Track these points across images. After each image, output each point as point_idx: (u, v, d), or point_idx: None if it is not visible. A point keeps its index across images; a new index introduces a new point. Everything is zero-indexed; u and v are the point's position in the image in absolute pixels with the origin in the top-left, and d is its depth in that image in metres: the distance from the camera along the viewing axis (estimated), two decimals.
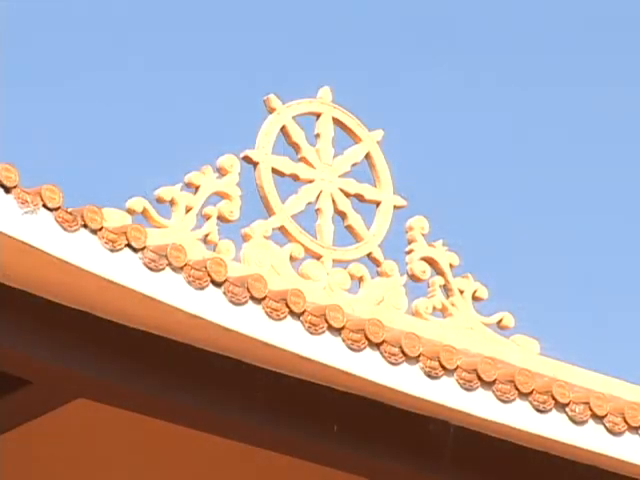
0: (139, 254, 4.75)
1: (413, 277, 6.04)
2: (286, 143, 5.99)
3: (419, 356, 5.15)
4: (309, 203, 5.96)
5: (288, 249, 5.81)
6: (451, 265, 6.13)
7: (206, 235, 5.59)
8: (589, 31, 16.85)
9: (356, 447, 5.39)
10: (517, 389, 5.29)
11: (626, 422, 5.49)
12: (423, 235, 6.10)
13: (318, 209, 5.98)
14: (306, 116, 6.08)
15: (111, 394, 5.15)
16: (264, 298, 4.94)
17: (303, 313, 4.99)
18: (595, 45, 16.73)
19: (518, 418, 5.33)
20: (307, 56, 16.09)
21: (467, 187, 15.53)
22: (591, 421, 5.42)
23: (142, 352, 5.01)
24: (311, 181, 5.97)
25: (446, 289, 6.12)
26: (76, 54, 16.12)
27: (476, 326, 6.07)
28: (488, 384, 5.26)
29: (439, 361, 5.17)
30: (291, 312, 4.97)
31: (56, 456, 5.86)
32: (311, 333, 4.98)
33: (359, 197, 6.10)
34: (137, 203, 5.42)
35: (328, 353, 5.02)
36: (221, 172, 5.72)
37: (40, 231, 4.55)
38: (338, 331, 5.03)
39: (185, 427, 5.38)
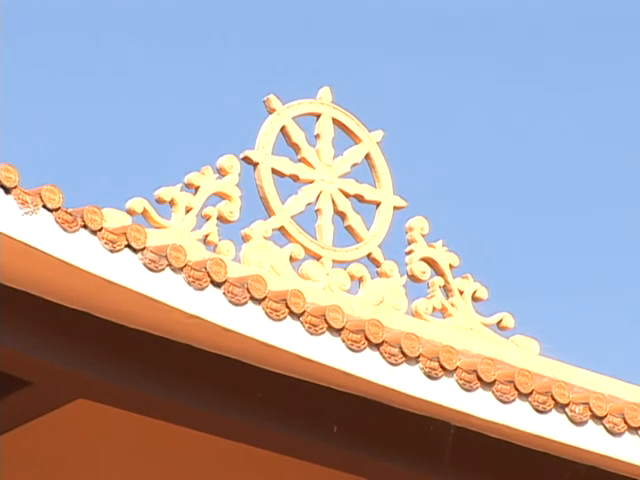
0: (139, 255, 4.75)
1: (413, 277, 6.04)
2: (286, 144, 5.99)
3: (419, 357, 5.15)
4: (309, 204, 5.96)
5: (288, 250, 5.80)
6: (451, 266, 6.13)
7: (206, 236, 5.59)
8: (588, 30, 16.85)
9: (356, 448, 5.38)
10: (517, 389, 5.29)
11: (626, 423, 5.49)
12: (423, 236, 6.09)
13: (318, 210, 5.98)
14: (306, 117, 6.07)
15: (111, 395, 5.15)
16: (264, 299, 4.94)
17: (303, 314, 4.99)
18: (596, 45, 16.74)
19: (518, 419, 5.33)
20: (307, 56, 16.08)
21: (467, 187, 15.54)
22: (591, 422, 5.42)
23: (142, 352, 5.01)
24: (311, 182, 5.97)
25: (446, 290, 6.12)
26: (74, 52, 16.12)
27: (476, 326, 6.07)
28: (488, 384, 5.26)
29: (439, 362, 5.17)
30: (291, 313, 4.97)
31: (56, 457, 5.85)
32: (311, 334, 4.98)
33: (359, 198, 6.10)
34: (137, 204, 5.42)
35: (328, 354, 5.02)
36: (221, 173, 5.72)
37: (40, 232, 4.55)
38: (338, 332, 5.03)
39: (185, 428, 5.38)
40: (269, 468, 5.83)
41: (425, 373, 5.15)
